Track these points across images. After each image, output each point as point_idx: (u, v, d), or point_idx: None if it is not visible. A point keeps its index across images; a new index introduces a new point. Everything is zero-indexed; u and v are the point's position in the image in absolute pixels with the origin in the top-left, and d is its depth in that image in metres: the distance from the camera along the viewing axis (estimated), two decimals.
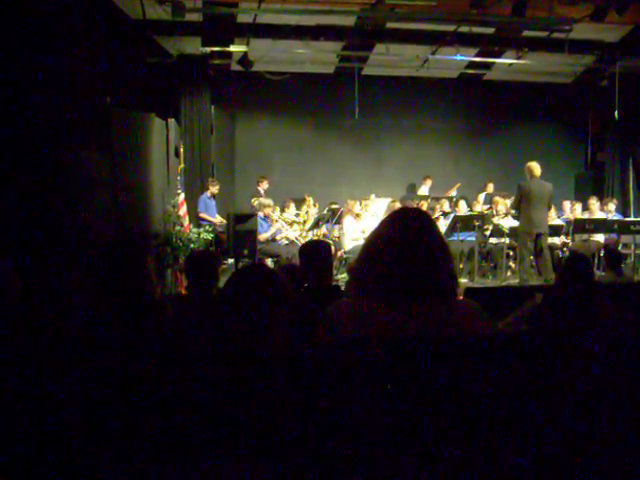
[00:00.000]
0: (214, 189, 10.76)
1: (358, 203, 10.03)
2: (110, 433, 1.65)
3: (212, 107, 11.93)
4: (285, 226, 9.90)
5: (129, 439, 1.65)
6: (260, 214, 9.49)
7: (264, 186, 11.52)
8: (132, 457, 1.63)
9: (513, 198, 9.20)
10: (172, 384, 1.71)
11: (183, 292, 7.39)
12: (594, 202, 10.62)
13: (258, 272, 2.24)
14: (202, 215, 10.58)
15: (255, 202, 10.41)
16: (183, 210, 9.36)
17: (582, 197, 12.11)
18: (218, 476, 1.62)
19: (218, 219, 10.66)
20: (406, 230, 2.04)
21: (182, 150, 10.36)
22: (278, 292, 2.13)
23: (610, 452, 1.77)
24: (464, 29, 10.57)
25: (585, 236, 9.91)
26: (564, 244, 10.09)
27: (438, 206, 11.18)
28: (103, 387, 1.70)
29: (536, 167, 8.51)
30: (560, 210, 11.22)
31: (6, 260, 2.83)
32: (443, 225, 9.67)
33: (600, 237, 10.01)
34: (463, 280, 9.13)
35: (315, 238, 9.53)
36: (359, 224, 9.69)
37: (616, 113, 11.73)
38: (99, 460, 1.63)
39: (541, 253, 8.58)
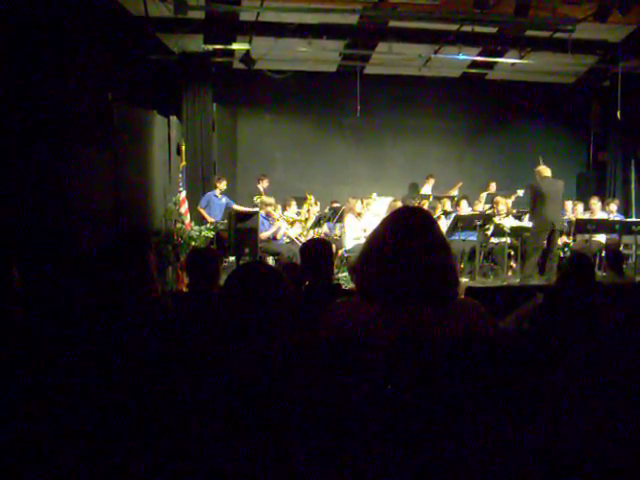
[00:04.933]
0: (221, 186, 10.70)
1: (360, 202, 10.02)
2: (108, 429, 1.65)
3: (214, 105, 11.92)
4: (286, 225, 9.90)
5: (126, 436, 1.65)
6: (262, 212, 9.49)
7: (264, 184, 11.51)
8: (129, 454, 1.63)
9: (530, 201, 9.23)
10: (172, 381, 1.70)
11: (184, 290, 7.39)
12: (596, 202, 10.61)
13: (257, 270, 2.24)
14: (200, 209, 10.52)
15: (257, 200, 10.40)
16: (184, 208, 9.36)
17: (584, 197, 12.10)
18: (215, 473, 1.62)
19: (211, 219, 10.35)
20: (407, 229, 2.04)
21: (184, 148, 10.35)
22: (278, 290, 2.13)
23: (611, 453, 1.77)
24: (467, 28, 10.55)
25: (586, 236, 9.89)
26: (565, 244, 10.08)
27: (440, 205, 11.17)
28: (103, 383, 1.70)
29: (545, 169, 8.72)
30: (562, 210, 11.21)
31: (7, 256, 2.83)
32: (444, 224, 9.66)
33: (601, 237, 10.00)
34: (464, 280, 9.12)
35: (316, 237, 9.53)
36: (360, 223, 9.68)
37: (618, 113, 11.72)
38: (98, 458, 1.63)
39: (550, 251, 8.67)
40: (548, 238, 8.64)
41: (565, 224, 10.13)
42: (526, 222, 10.02)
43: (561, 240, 10.05)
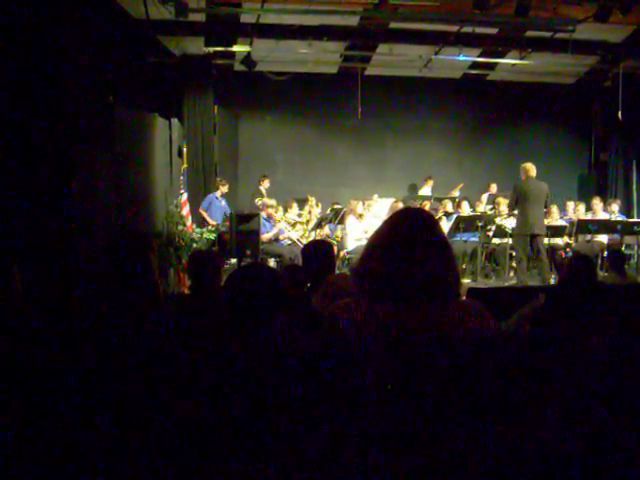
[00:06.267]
0: (224, 188, 10.72)
1: (361, 203, 10.03)
2: (109, 430, 1.65)
3: (215, 107, 11.92)
4: (288, 227, 9.90)
5: (127, 436, 1.64)
6: (263, 214, 9.50)
7: (265, 185, 11.52)
8: (129, 454, 1.63)
9: (509, 199, 9.20)
10: (174, 382, 1.70)
11: (186, 292, 7.39)
12: (597, 202, 10.61)
13: (255, 271, 2.24)
14: (201, 212, 10.54)
15: (259, 202, 10.41)
16: (186, 210, 9.37)
17: (585, 197, 12.10)
18: (214, 474, 1.61)
19: (213, 222, 10.38)
20: (409, 230, 2.03)
21: (185, 150, 10.36)
22: (276, 291, 2.12)
23: (612, 452, 1.77)
24: (467, 29, 10.55)
25: (588, 237, 9.88)
26: (567, 245, 10.07)
27: (441, 206, 11.16)
28: (104, 384, 1.70)
29: (532, 168, 8.50)
30: (563, 210, 11.21)
31: (9, 259, 2.83)
32: (446, 225, 9.66)
33: (603, 238, 9.99)
34: (466, 280, 9.12)
35: (317, 238, 9.53)
36: (362, 224, 9.69)
37: (619, 114, 11.71)
38: (97, 456, 1.62)
39: (538, 254, 8.51)
40: (531, 243, 8.45)
41: (565, 223, 10.12)
42: None
43: (563, 241, 10.05)
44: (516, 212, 9.60)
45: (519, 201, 8.47)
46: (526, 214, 8.39)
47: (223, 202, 10.78)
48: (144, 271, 2.75)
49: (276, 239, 9.55)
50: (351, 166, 13.24)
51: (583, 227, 9.68)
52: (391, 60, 11.59)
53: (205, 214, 10.56)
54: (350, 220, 9.79)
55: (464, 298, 2.36)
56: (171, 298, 4.61)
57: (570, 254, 9.60)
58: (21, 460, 1.63)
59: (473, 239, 9.73)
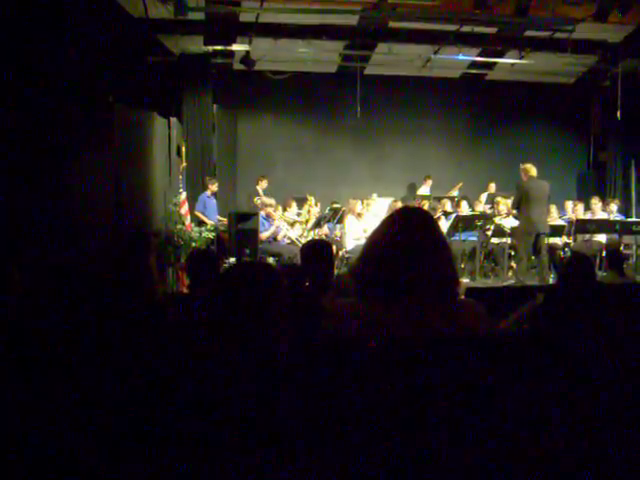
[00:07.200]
0: (213, 187, 10.69)
1: (360, 203, 10.04)
2: (110, 433, 1.65)
3: (214, 106, 11.91)
4: (284, 224, 9.90)
5: (129, 438, 1.65)
6: (262, 213, 9.50)
7: (263, 185, 11.49)
8: (133, 457, 1.63)
9: (513, 198, 9.21)
10: (173, 382, 1.71)
11: (185, 291, 7.39)
12: (596, 202, 10.61)
13: (251, 269, 2.23)
14: (197, 214, 10.49)
15: (258, 201, 10.41)
16: (185, 209, 9.37)
17: (584, 197, 12.09)
18: (212, 475, 1.62)
19: (211, 222, 10.39)
20: (407, 230, 2.04)
21: (184, 149, 10.35)
22: (271, 289, 2.11)
23: (611, 453, 1.77)
24: (466, 29, 10.56)
25: (587, 236, 9.89)
26: (566, 244, 10.08)
27: (440, 206, 11.17)
28: (104, 385, 1.71)
29: (531, 168, 8.52)
30: (562, 210, 11.20)
31: (9, 260, 2.84)
32: (445, 225, 9.66)
33: (602, 237, 10.00)
34: (465, 280, 9.12)
35: (317, 238, 9.54)
36: (361, 224, 9.69)
37: (618, 113, 11.72)
38: (101, 461, 1.63)
39: (539, 253, 8.54)
40: (536, 241, 8.46)
41: (564, 223, 10.12)
42: None
43: (561, 240, 10.05)
44: (515, 212, 9.64)
45: (523, 201, 8.47)
46: (531, 213, 8.40)
47: (214, 200, 10.76)
48: (143, 270, 2.75)
49: (274, 238, 9.55)
50: (350, 165, 13.23)
51: (582, 227, 9.68)
52: (390, 59, 11.60)
53: (202, 216, 10.52)
54: (349, 219, 9.79)
55: (463, 297, 2.36)
56: (170, 297, 4.61)
57: (569, 254, 9.61)
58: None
59: (472, 238, 9.73)
